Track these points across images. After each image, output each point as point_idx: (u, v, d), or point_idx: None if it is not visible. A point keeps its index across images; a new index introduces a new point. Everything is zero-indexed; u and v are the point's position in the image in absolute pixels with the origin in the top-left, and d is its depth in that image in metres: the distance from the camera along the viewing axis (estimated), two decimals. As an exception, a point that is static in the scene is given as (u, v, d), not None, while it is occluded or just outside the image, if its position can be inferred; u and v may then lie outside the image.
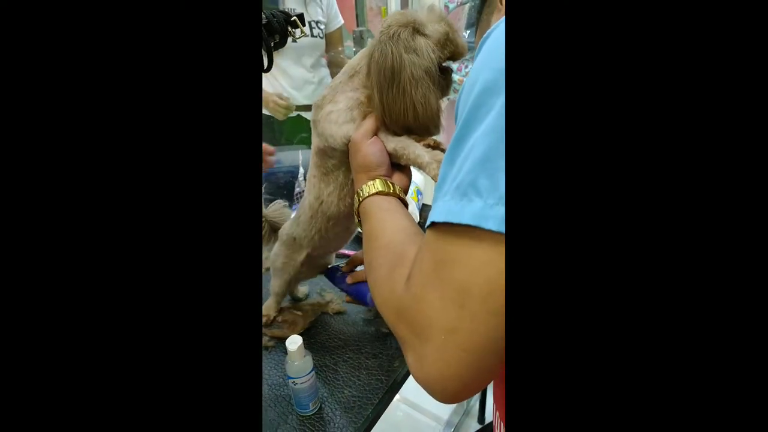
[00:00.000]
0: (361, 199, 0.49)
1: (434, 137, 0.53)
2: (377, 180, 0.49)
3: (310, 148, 1.62)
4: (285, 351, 0.61)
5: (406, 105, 0.48)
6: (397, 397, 0.67)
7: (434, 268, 0.29)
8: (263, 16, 0.56)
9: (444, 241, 0.29)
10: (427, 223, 0.31)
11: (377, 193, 0.48)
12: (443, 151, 0.52)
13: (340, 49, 1.58)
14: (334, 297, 0.84)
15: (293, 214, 0.73)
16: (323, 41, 1.50)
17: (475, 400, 1.46)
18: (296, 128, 1.55)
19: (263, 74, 0.59)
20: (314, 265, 0.78)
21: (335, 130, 0.54)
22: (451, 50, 0.51)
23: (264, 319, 0.77)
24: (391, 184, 0.49)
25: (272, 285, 0.77)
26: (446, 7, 1.43)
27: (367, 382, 0.67)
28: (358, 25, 1.38)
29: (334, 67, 1.58)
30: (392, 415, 1.43)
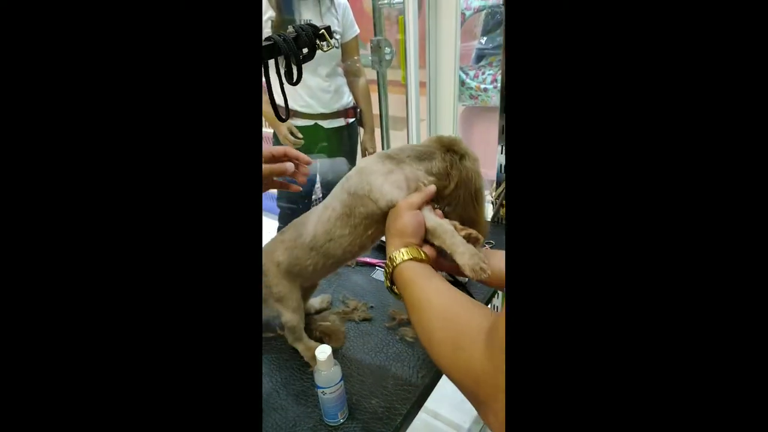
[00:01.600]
0: (395, 264, 0.52)
1: (476, 232, 0.59)
2: (411, 247, 0.52)
3: (327, 156, 1.64)
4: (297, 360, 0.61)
5: (480, 219, 0.61)
6: (416, 405, 0.67)
7: None
8: (293, 29, 0.56)
9: None
10: None
11: (411, 259, 0.51)
12: (481, 244, 0.59)
13: (355, 58, 1.59)
14: (358, 304, 0.85)
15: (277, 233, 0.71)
16: (339, 51, 1.52)
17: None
18: (314, 137, 1.56)
19: (291, 85, 0.59)
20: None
21: (387, 190, 0.58)
22: None
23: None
24: (423, 253, 0.53)
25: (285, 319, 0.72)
26: (462, 14, 1.44)
27: (394, 391, 0.67)
28: (375, 35, 1.39)
29: (350, 76, 1.59)
30: (412, 424, 1.42)
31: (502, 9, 1.35)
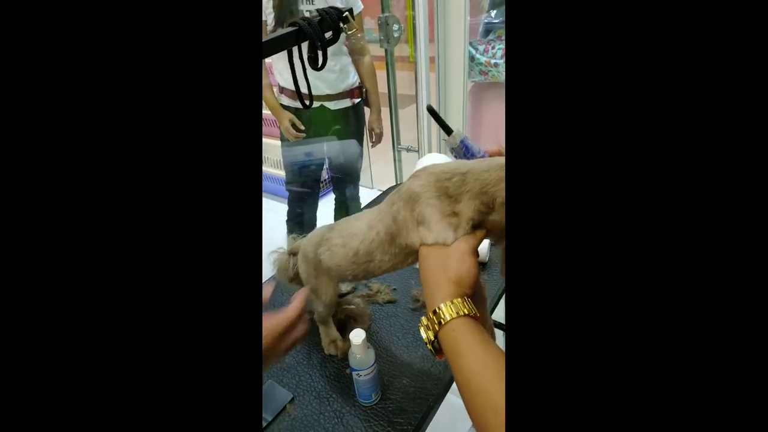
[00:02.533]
0: (444, 321, 0.41)
1: None
2: (463, 300, 0.42)
3: (337, 139, 1.63)
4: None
5: None
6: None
7: None
8: (317, 13, 0.55)
9: None
10: None
11: (464, 316, 0.41)
12: None
13: (359, 36, 1.56)
14: (381, 287, 0.86)
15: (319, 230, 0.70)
16: (344, 28, 1.49)
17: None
18: (320, 120, 1.54)
19: (316, 71, 0.59)
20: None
21: (439, 230, 0.48)
22: None
23: (334, 347, 0.74)
24: (473, 307, 0.42)
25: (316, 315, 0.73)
26: (470, -13, 1.40)
27: (423, 370, 0.69)
28: (383, 11, 1.36)
29: (355, 54, 1.56)
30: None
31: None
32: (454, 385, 0.69)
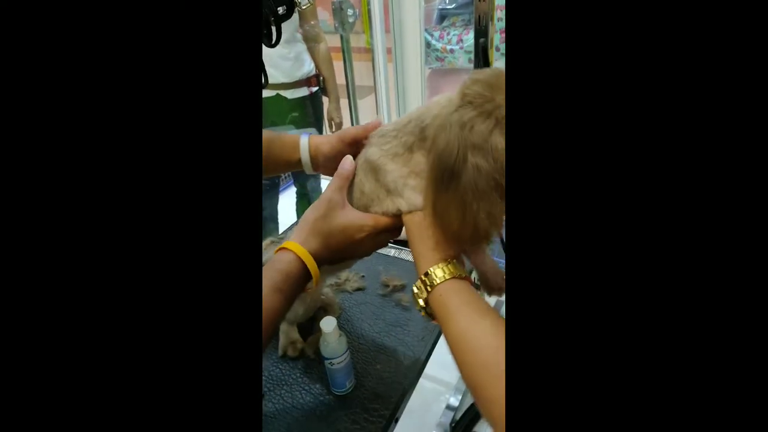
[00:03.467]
0: (435, 284, 0.41)
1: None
2: (451, 263, 0.41)
3: (296, 128, 1.59)
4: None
5: (462, 219, 0.38)
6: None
7: None
8: (269, -14, 0.52)
9: None
10: None
11: (452, 278, 0.41)
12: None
13: (313, 23, 1.52)
14: (349, 275, 0.84)
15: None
16: (296, 15, 1.44)
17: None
18: (277, 108, 1.50)
19: (270, 48, 0.56)
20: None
21: (405, 195, 0.46)
22: None
23: (292, 349, 0.69)
24: (463, 268, 0.42)
25: (290, 316, 0.67)
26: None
27: (396, 356, 0.68)
28: (337, -4, 1.33)
29: (310, 41, 1.52)
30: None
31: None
32: (426, 368, 0.69)
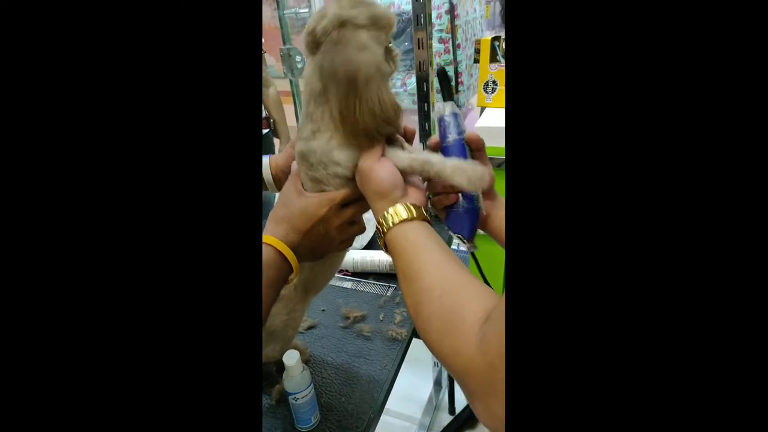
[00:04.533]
0: (385, 230, 0.45)
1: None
2: (398, 206, 0.45)
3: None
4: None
5: (364, 109, 0.45)
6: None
7: None
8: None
9: None
10: None
11: (403, 221, 0.44)
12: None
13: (262, 68, 1.57)
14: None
15: None
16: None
17: (443, 393, 1.51)
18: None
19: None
20: None
21: (334, 160, 0.49)
22: (384, 25, 0.47)
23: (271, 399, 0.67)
24: (412, 208, 0.45)
25: (267, 352, 0.64)
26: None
27: (360, 386, 0.68)
28: (284, 44, 1.39)
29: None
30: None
31: (408, 15, 1.44)
32: (392, 405, 0.69)
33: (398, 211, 0.45)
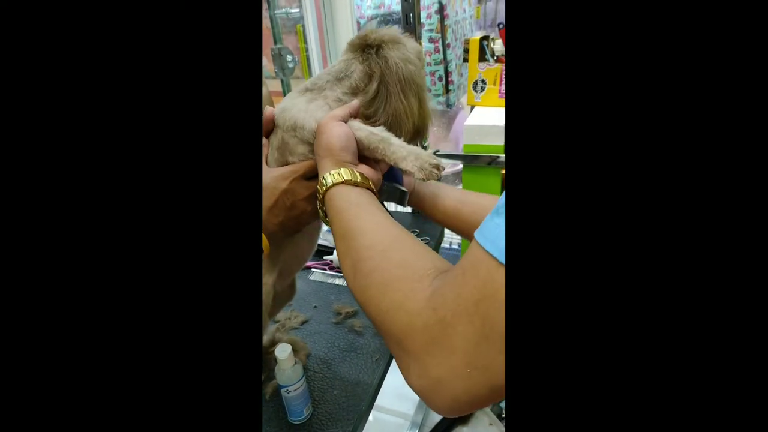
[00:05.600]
0: (324, 188, 0.43)
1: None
2: (343, 168, 0.44)
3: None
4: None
5: (423, 111, 0.53)
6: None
7: (477, 302, 0.27)
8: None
9: (498, 275, 0.26)
10: (479, 242, 0.27)
11: (343, 183, 0.43)
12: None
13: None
14: (287, 314, 0.83)
15: None
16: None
17: (435, 390, 1.52)
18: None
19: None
20: (280, 297, 0.70)
21: (311, 116, 0.50)
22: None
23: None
24: (358, 174, 0.44)
25: None
26: (358, 23, 1.50)
27: (352, 380, 0.69)
28: (275, 43, 1.39)
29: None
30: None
31: (394, 17, 1.45)
32: (378, 400, 0.70)
33: (342, 173, 0.43)
